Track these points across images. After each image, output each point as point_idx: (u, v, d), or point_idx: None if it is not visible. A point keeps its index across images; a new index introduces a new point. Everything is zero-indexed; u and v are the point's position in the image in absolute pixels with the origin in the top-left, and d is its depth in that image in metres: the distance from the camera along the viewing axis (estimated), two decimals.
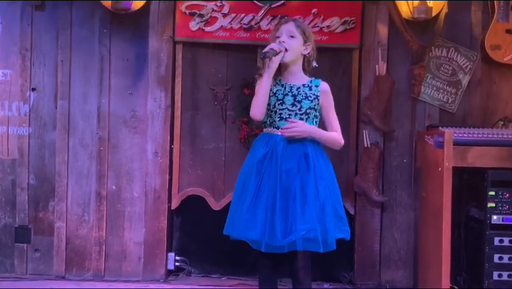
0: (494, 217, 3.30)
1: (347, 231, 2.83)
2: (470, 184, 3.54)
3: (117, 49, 3.85)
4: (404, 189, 3.85)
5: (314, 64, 2.90)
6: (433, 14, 3.68)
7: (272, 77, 2.78)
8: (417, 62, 3.77)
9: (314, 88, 2.84)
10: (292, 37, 2.80)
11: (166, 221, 3.81)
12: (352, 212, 3.85)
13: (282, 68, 2.84)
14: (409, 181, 3.84)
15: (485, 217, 3.32)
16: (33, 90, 3.90)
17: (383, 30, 3.77)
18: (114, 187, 3.88)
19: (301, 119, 2.79)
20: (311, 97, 2.81)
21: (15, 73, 3.90)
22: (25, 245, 3.90)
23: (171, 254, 3.86)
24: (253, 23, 3.75)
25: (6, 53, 3.90)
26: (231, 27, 3.76)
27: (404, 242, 3.86)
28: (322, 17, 3.75)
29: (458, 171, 3.41)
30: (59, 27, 3.85)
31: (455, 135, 3.28)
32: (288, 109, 2.79)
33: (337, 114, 3.77)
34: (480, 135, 3.35)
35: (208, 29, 3.77)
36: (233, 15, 3.76)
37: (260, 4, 3.75)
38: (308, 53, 2.85)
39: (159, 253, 3.81)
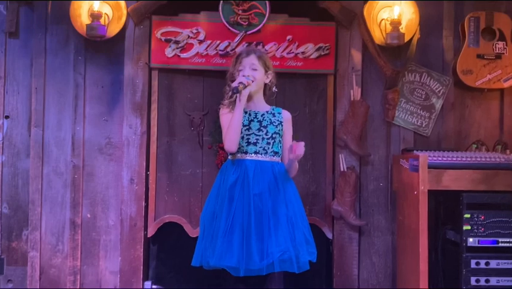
0: (470, 240, 3.32)
1: (314, 253, 2.91)
2: (446, 207, 3.57)
3: (92, 76, 3.84)
4: (381, 213, 3.86)
5: (274, 89, 3.06)
6: (406, 40, 3.75)
7: (233, 107, 2.90)
8: (391, 87, 3.82)
9: (277, 114, 3.01)
10: (254, 69, 2.94)
11: (142, 249, 3.75)
12: (329, 236, 3.85)
13: (248, 98, 2.93)
14: (386, 205, 3.86)
15: (461, 240, 3.34)
16: (6, 117, 3.86)
17: (357, 56, 3.82)
18: (89, 215, 3.82)
19: (268, 143, 2.93)
20: (275, 122, 2.97)
21: None
22: None
23: (148, 283, 3.80)
24: (229, 49, 3.78)
25: None
26: (207, 53, 3.78)
27: (382, 266, 3.86)
28: (297, 43, 3.79)
29: (433, 194, 3.44)
30: (34, 55, 3.83)
31: (430, 158, 3.31)
32: (255, 134, 2.92)
33: (313, 138, 3.87)
34: (454, 159, 3.39)
35: (184, 55, 3.78)
36: (209, 41, 3.78)
37: (236, 31, 3.77)
38: (270, 81, 3.02)
39: (136, 282, 3.75)
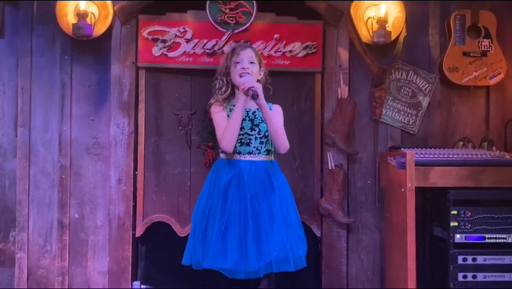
0: (457, 236, 3.35)
1: (305, 250, 2.94)
2: (433, 204, 3.60)
3: (79, 75, 3.81)
4: (369, 210, 3.88)
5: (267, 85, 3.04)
6: (393, 38, 3.77)
7: (227, 104, 2.91)
8: (378, 85, 3.84)
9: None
10: (252, 63, 2.93)
11: (131, 249, 3.74)
12: (318, 234, 3.86)
13: (236, 94, 2.95)
14: (373, 202, 3.88)
15: (448, 236, 3.36)
16: None
17: (344, 54, 3.84)
18: (76, 215, 3.80)
19: (261, 143, 2.92)
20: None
21: None
22: None
23: (137, 283, 3.79)
24: (216, 48, 3.77)
25: None
26: (194, 52, 3.77)
27: (370, 263, 3.88)
28: (284, 42, 3.79)
29: (420, 191, 3.46)
30: (19, 55, 3.79)
31: (417, 155, 3.34)
32: (248, 134, 2.91)
33: (301, 136, 3.87)
34: (441, 156, 3.41)
35: (171, 54, 3.77)
36: (196, 40, 3.77)
37: (223, 30, 3.77)
38: (262, 78, 3.01)
39: (124, 282, 3.74)
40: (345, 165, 3.82)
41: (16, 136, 3.80)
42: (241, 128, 2.87)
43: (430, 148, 3.61)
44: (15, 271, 3.75)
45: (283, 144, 2.89)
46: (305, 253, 2.92)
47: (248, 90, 2.78)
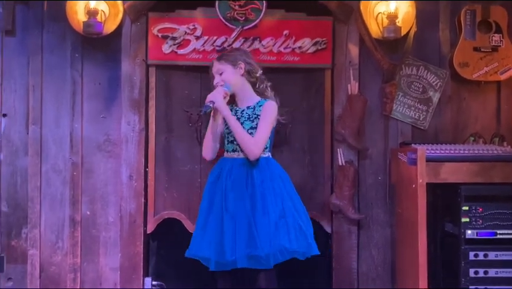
0: (469, 232, 3.34)
1: (314, 247, 2.99)
2: (444, 200, 3.59)
3: (90, 73, 3.83)
4: (380, 206, 3.87)
5: (260, 75, 3.12)
6: (403, 34, 3.76)
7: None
8: (388, 81, 3.83)
9: (257, 108, 3.05)
10: (221, 73, 3.05)
11: (142, 246, 3.76)
12: (328, 230, 3.86)
13: (234, 96, 3.09)
14: (384, 198, 3.87)
15: (459, 232, 3.35)
16: (4, 115, 3.85)
17: (354, 50, 3.83)
18: (88, 212, 3.82)
19: None
20: (252, 117, 3.03)
21: None
22: None
23: (148, 279, 3.81)
24: (225, 45, 3.77)
25: None
26: (204, 49, 3.77)
27: (381, 259, 3.87)
28: (294, 38, 3.79)
29: (431, 187, 3.45)
30: (30, 53, 3.81)
31: (428, 151, 3.33)
32: (232, 133, 3.01)
33: (311, 133, 3.86)
34: (452, 151, 3.40)
35: (181, 51, 3.77)
36: (206, 37, 3.77)
37: (232, 26, 3.77)
38: (246, 70, 3.05)
39: (136, 278, 3.75)
40: (355, 162, 3.81)
41: (28, 133, 3.82)
42: (227, 127, 3.03)
43: (441, 144, 3.59)
44: (27, 267, 3.78)
45: (246, 151, 2.96)
46: (307, 249, 2.99)
47: (206, 103, 2.96)
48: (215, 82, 3.06)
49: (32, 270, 3.77)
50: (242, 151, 3.01)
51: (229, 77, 3.04)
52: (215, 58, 3.23)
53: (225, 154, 3.09)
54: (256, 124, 3.02)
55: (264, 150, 3.05)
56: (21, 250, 3.83)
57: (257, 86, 3.13)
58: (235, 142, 3.03)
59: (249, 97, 3.10)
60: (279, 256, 2.87)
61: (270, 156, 3.15)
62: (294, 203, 3.04)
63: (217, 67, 3.07)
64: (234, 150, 3.04)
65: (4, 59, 3.84)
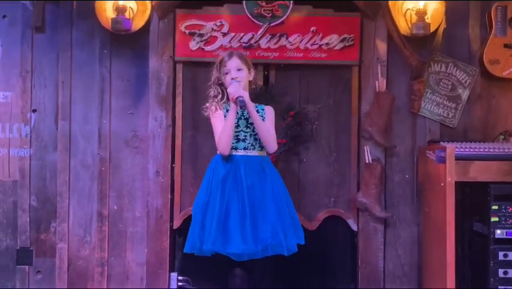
0: (498, 231, 3.29)
1: (302, 237, 3.15)
2: (473, 199, 3.54)
3: (118, 69, 3.87)
4: (407, 204, 3.84)
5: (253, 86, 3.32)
6: (432, 30, 3.71)
7: (223, 105, 3.14)
8: (417, 78, 3.79)
9: (260, 111, 3.17)
10: (240, 70, 3.11)
11: (168, 241, 3.79)
12: (354, 228, 3.84)
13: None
14: (411, 196, 3.84)
15: (488, 232, 3.31)
16: (34, 111, 3.91)
17: (382, 46, 3.79)
18: (115, 207, 3.87)
19: (255, 139, 3.12)
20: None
21: (16, 95, 3.91)
22: (27, 267, 3.89)
23: (174, 275, 3.84)
24: (252, 41, 3.77)
25: (7, 76, 3.92)
26: (231, 46, 3.77)
27: (408, 258, 3.84)
28: (321, 34, 3.77)
29: (460, 186, 3.41)
30: (60, 49, 3.87)
31: (457, 149, 3.28)
32: (244, 131, 3.11)
33: (338, 130, 3.85)
34: (481, 150, 3.35)
35: (208, 48, 3.79)
36: (232, 34, 3.78)
37: (259, 23, 3.77)
38: (253, 78, 3.22)
39: (162, 273, 3.79)
40: (382, 159, 3.79)
41: (57, 129, 3.88)
42: (238, 126, 3.10)
43: (470, 142, 3.55)
44: (56, 261, 3.84)
45: (269, 144, 3.11)
46: (301, 239, 3.12)
47: (236, 99, 3.00)
48: (233, 75, 3.09)
49: (61, 264, 3.83)
50: (254, 149, 3.11)
51: (244, 78, 3.13)
52: (234, 52, 3.23)
53: (233, 152, 3.08)
54: None
55: (264, 150, 3.17)
56: (50, 243, 3.89)
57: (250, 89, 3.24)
58: (246, 141, 3.11)
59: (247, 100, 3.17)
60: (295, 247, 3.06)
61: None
62: (286, 195, 3.20)
63: (238, 63, 3.12)
64: (245, 148, 3.11)
65: (34, 56, 3.90)
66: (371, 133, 3.74)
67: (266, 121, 3.14)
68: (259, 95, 3.79)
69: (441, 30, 3.75)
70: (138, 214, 3.86)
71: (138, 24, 3.76)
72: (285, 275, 3.93)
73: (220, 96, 3.15)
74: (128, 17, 3.71)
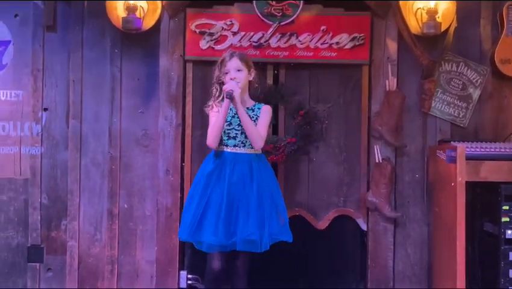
0: (509, 232, 3.27)
1: (290, 234, 3.23)
2: (484, 199, 3.52)
3: (128, 68, 3.88)
4: (417, 204, 3.83)
5: (256, 85, 3.33)
6: (443, 29, 3.70)
7: (221, 103, 3.19)
8: (427, 77, 3.77)
9: (256, 110, 3.25)
10: (239, 70, 3.20)
11: (178, 239, 3.79)
12: (364, 228, 3.84)
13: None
14: (421, 196, 3.82)
15: (499, 232, 3.29)
16: (45, 110, 3.94)
17: (392, 45, 3.78)
18: (126, 205, 3.88)
19: (246, 137, 3.18)
20: (253, 117, 3.21)
21: (27, 93, 3.94)
22: (38, 264, 3.92)
23: (184, 273, 3.85)
24: (262, 40, 3.78)
25: (18, 74, 3.95)
26: (241, 45, 3.78)
27: (418, 258, 3.83)
28: (331, 33, 3.76)
29: (470, 186, 3.38)
30: (71, 48, 3.89)
31: (468, 149, 3.27)
32: (235, 129, 3.19)
33: (347, 129, 3.84)
34: (493, 150, 3.33)
35: (218, 47, 3.79)
36: (242, 33, 3.78)
37: (269, 22, 3.77)
38: (253, 78, 3.27)
39: (172, 271, 3.80)
40: (392, 159, 3.77)
41: (68, 128, 3.90)
42: (230, 124, 3.19)
43: (481, 142, 3.53)
44: (66, 258, 3.87)
45: (253, 142, 3.17)
46: (289, 237, 3.21)
47: (227, 91, 3.10)
48: (232, 75, 3.17)
49: (71, 261, 3.86)
50: (244, 146, 3.18)
51: (242, 78, 3.20)
52: (235, 52, 3.28)
53: (224, 148, 3.19)
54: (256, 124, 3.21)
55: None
56: (60, 241, 3.92)
57: (250, 89, 3.32)
58: (237, 139, 3.18)
59: (247, 99, 3.27)
60: (269, 242, 3.11)
61: (262, 152, 3.31)
62: (279, 194, 3.27)
63: (238, 63, 3.20)
64: (235, 146, 3.19)
65: (45, 54, 3.93)
66: (382, 132, 3.73)
67: (259, 119, 3.22)
68: (269, 94, 3.81)
69: (452, 29, 3.74)
70: (148, 213, 3.88)
71: (148, 23, 3.77)
72: (294, 275, 3.94)
73: (218, 94, 3.24)
74: (139, 16, 3.73)
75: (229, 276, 3.22)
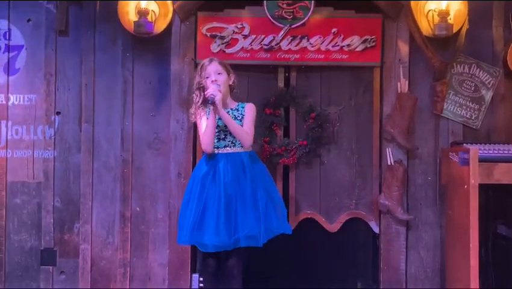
0: None
1: (289, 227, 3.29)
2: (497, 201, 3.50)
3: (140, 72, 3.90)
4: (429, 207, 3.81)
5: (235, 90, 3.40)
6: (454, 31, 3.69)
7: (208, 109, 3.23)
8: (439, 79, 3.76)
9: (240, 109, 3.32)
10: (219, 73, 3.27)
11: None
12: (376, 230, 3.82)
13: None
14: (434, 199, 3.81)
15: None
16: (58, 113, 3.97)
17: (404, 47, 3.77)
18: (138, 209, 3.90)
19: (234, 137, 3.24)
20: (239, 116, 3.29)
21: (40, 97, 3.97)
22: (51, 267, 3.94)
23: (196, 276, 3.85)
24: (273, 43, 3.78)
25: (31, 79, 3.98)
26: (252, 48, 3.79)
27: (430, 261, 3.81)
28: (342, 36, 3.76)
29: (483, 188, 3.36)
30: (83, 52, 3.91)
31: (480, 151, 3.25)
32: (223, 131, 3.25)
33: (359, 132, 3.84)
34: (506, 152, 3.31)
35: (229, 50, 3.80)
36: (253, 36, 3.79)
37: (280, 25, 3.77)
38: (233, 82, 3.35)
39: (184, 274, 3.81)
40: (405, 161, 3.76)
41: (80, 131, 3.92)
42: (217, 126, 3.24)
43: (494, 144, 3.50)
44: (79, 261, 3.89)
45: (242, 140, 3.24)
46: (288, 230, 3.27)
47: (208, 96, 3.15)
48: (213, 78, 3.23)
49: (84, 264, 3.88)
50: (234, 146, 3.25)
51: (223, 80, 3.27)
52: (214, 58, 3.34)
53: (215, 150, 3.25)
54: (243, 124, 3.28)
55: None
56: (73, 244, 3.94)
57: (231, 92, 3.39)
58: (226, 139, 3.25)
59: (230, 101, 3.34)
60: (268, 235, 3.16)
61: (252, 150, 3.36)
62: (274, 188, 3.34)
63: (218, 67, 3.27)
64: (225, 146, 3.25)
65: (58, 58, 3.96)
66: (394, 135, 3.72)
67: (244, 118, 3.28)
68: (281, 97, 3.81)
69: (464, 31, 3.72)
70: (160, 216, 3.89)
71: (160, 27, 3.79)
72: (306, 277, 3.93)
73: (199, 99, 3.29)
74: (150, 20, 3.74)
75: (224, 276, 3.25)
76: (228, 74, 3.32)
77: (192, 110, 3.33)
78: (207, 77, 3.26)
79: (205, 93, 3.21)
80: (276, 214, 3.23)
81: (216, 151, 3.25)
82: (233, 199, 3.16)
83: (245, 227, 3.11)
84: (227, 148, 3.26)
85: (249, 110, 3.33)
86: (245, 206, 3.16)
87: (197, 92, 3.31)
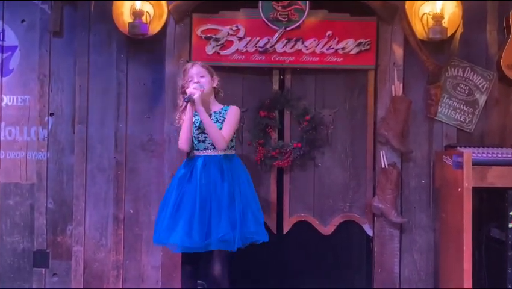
0: None
1: (266, 234, 3.25)
2: (490, 204, 3.50)
3: (134, 73, 3.89)
4: (423, 210, 3.82)
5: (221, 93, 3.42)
6: (449, 34, 3.70)
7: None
8: (433, 82, 3.77)
9: (223, 112, 3.32)
10: (202, 76, 3.29)
11: None
12: (370, 233, 3.83)
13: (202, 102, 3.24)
14: (428, 202, 3.81)
15: (506, 238, 3.28)
16: (51, 114, 3.95)
17: (398, 51, 3.78)
18: (131, 211, 3.88)
19: None
20: (220, 120, 3.28)
21: (34, 98, 3.96)
22: (43, 269, 3.92)
23: None
24: (268, 46, 3.78)
25: (25, 79, 3.97)
26: (247, 50, 3.79)
27: (424, 264, 3.81)
28: (337, 39, 3.77)
29: (477, 191, 3.37)
30: (77, 53, 3.90)
31: (474, 155, 3.26)
32: (203, 133, 3.26)
33: (353, 134, 3.84)
34: (499, 155, 3.32)
35: (224, 52, 3.80)
36: (248, 38, 3.79)
37: (275, 27, 3.77)
38: (217, 85, 3.36)
39: (177, 277, 3.77)
40: (398, 164, 3.77)
41: (74, 132, 3.91)
42: (198, 128, 3.27)
43: (488, 147, 3.52)
44: (72, 263, 3.87)
45: (216, 143, 3.22)
46: (265, 237, 3.23)
47: (188, 94, 3.18)
48: (195, 80, 3.25)
49: (77, 266, 3.86)
50: (214, 149, 3.24)
51: (206, 82, 3.29)
52: (196, 62, 3.40)
53: (195, 152, 3.28)
54: None
55: (230, 148, 3.30)
56: (66, 246, 3.92)
57: (216, 95, 3.40)
58: (206, 142, 3.26)
59: (213, 103, 3.34)
60: (243, 241, 3.15)
61: (234, 153, 3.35)
62: (253, 194, 3.31)
63: (200, 69, 3.30)
64: (205, 148, 3.26)
65: (52, 59, 3.95)
66: (388, 138, 3.72)
67: (225, 120, 3.27)
68: (275, 99, 3.81)
69: (458, 34, 3.74)
70: (153, 218, 3.85)
71: (155, 28, 3.78)
72: (300, 279, 3.93)
73: (182, 103, 3.30)
74: (145, 22, 3.74)
75: (210, 280, 3.25)
76: (211, 77, 3.33)
77: (177, 115, 3.35)
78: (190, 81, 3.28)
79: (187, 91, 3.22)
80: (253, 221, 3.21)
81: (196, 153, 3.27)
82: (208, 202, 3.15)
83: (219, 231, 3.10)
84: (207, 150, 3.26)
85: (230, 113, 3.31)
86: (220, 209, 3.14)
87: (180, 96, 3.34)
